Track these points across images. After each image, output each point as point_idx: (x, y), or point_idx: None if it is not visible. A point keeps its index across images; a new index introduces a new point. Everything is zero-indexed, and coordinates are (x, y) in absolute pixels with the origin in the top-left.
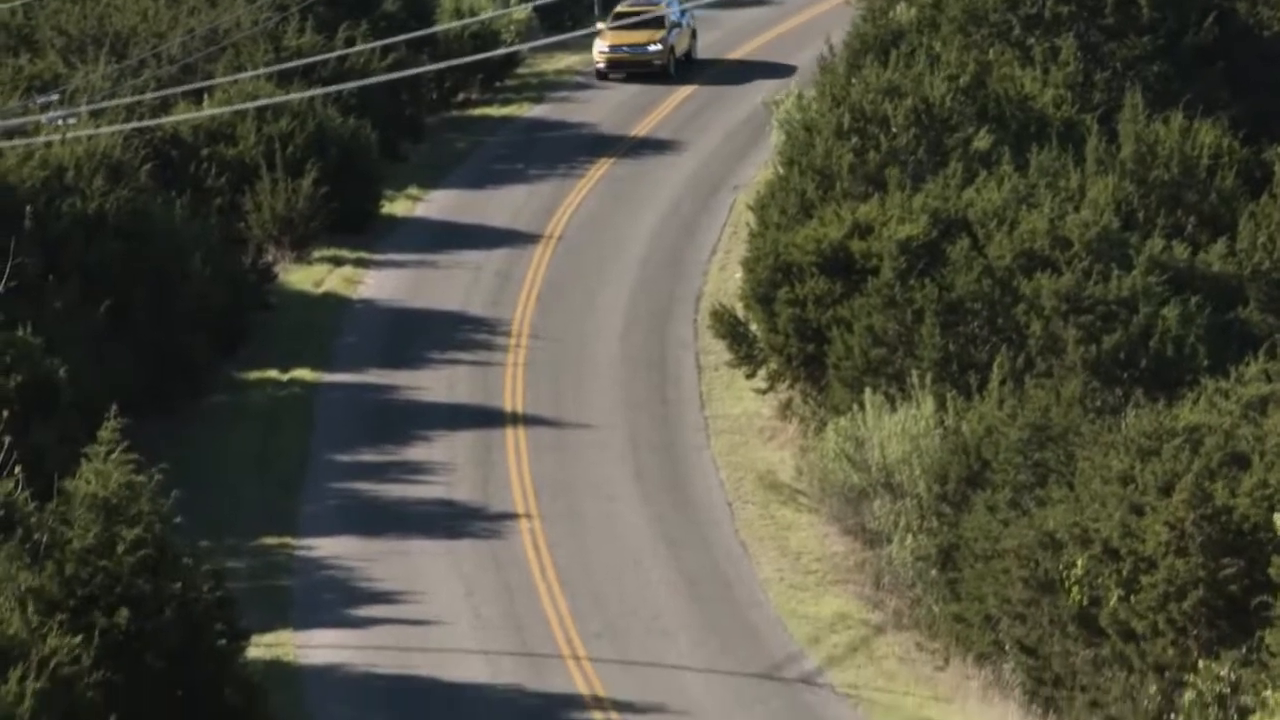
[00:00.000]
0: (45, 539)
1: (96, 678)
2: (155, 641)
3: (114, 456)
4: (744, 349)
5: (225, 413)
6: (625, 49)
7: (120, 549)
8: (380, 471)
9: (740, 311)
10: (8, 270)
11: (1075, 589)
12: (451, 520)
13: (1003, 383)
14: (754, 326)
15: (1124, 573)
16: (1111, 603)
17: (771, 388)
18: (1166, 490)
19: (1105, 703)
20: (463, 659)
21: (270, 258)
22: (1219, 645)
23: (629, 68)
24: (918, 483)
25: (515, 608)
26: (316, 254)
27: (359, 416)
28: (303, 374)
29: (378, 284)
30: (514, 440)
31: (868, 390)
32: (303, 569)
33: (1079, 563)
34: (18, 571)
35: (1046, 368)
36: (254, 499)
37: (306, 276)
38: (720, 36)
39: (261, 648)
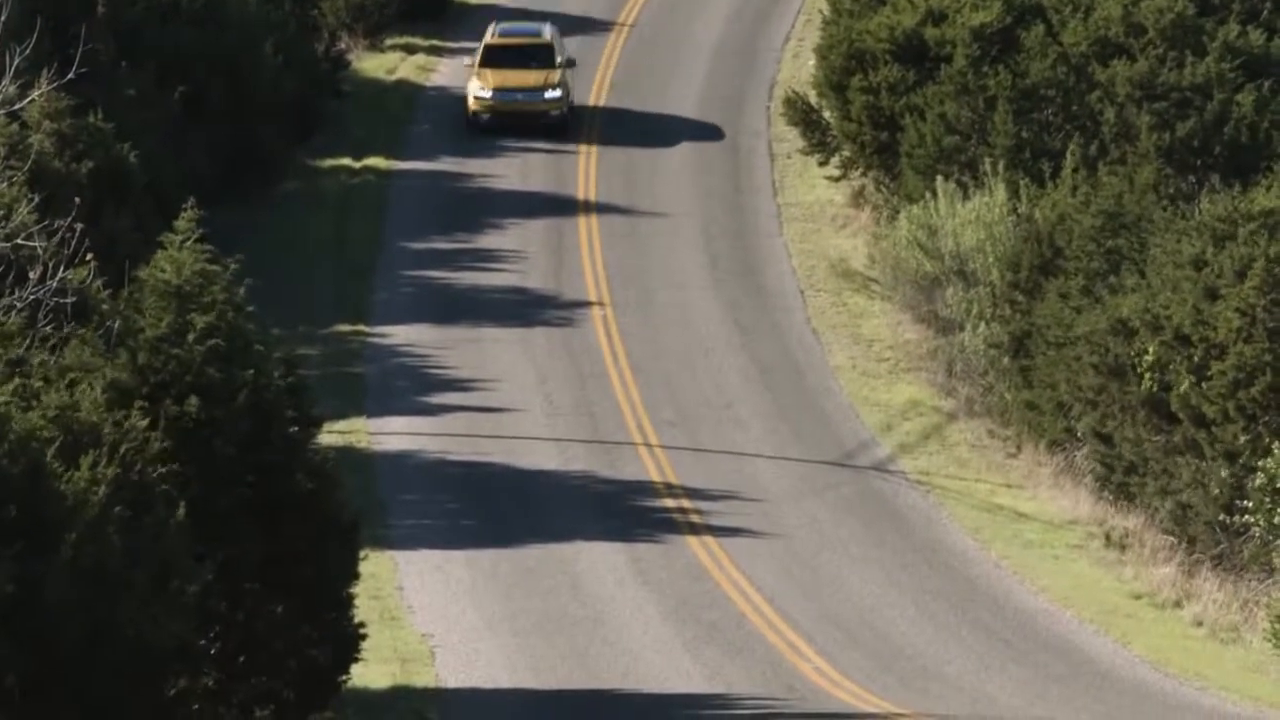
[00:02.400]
0: (118, 327)
1: (167, 464)
2: (226, 429)
3: (189, 245)
4: (817, 136)
5: (298, 201)
6: (518, 95)
7: (192, 337)
8: (453, 259)
9: (813, 99)
10: (79, 56)
11: (1146, 375)
12: (524, 308)
13: (1076, 170)
14: (827, 114)
15: (1195, 359)
16: (1182, 389)
17: (844, 175)
18: (1239, 276)
19: (1176, 489)
20: (534, 446)
21: (343, 45)
22: None
23: (515, 119)
24: (990, 270)
25: (587, 395)
26: (389, 41)
27: (432, 204)
28: (376, 162)
29: (451, 72)
30: (586, 228)
31: (940, 178)
32: (376, 356)
33: (1150, 349)
34: (92, 358)
35: (1120, 155)
36: (327, 287)
37: (379, 64)
38: None
39: (335, 434)
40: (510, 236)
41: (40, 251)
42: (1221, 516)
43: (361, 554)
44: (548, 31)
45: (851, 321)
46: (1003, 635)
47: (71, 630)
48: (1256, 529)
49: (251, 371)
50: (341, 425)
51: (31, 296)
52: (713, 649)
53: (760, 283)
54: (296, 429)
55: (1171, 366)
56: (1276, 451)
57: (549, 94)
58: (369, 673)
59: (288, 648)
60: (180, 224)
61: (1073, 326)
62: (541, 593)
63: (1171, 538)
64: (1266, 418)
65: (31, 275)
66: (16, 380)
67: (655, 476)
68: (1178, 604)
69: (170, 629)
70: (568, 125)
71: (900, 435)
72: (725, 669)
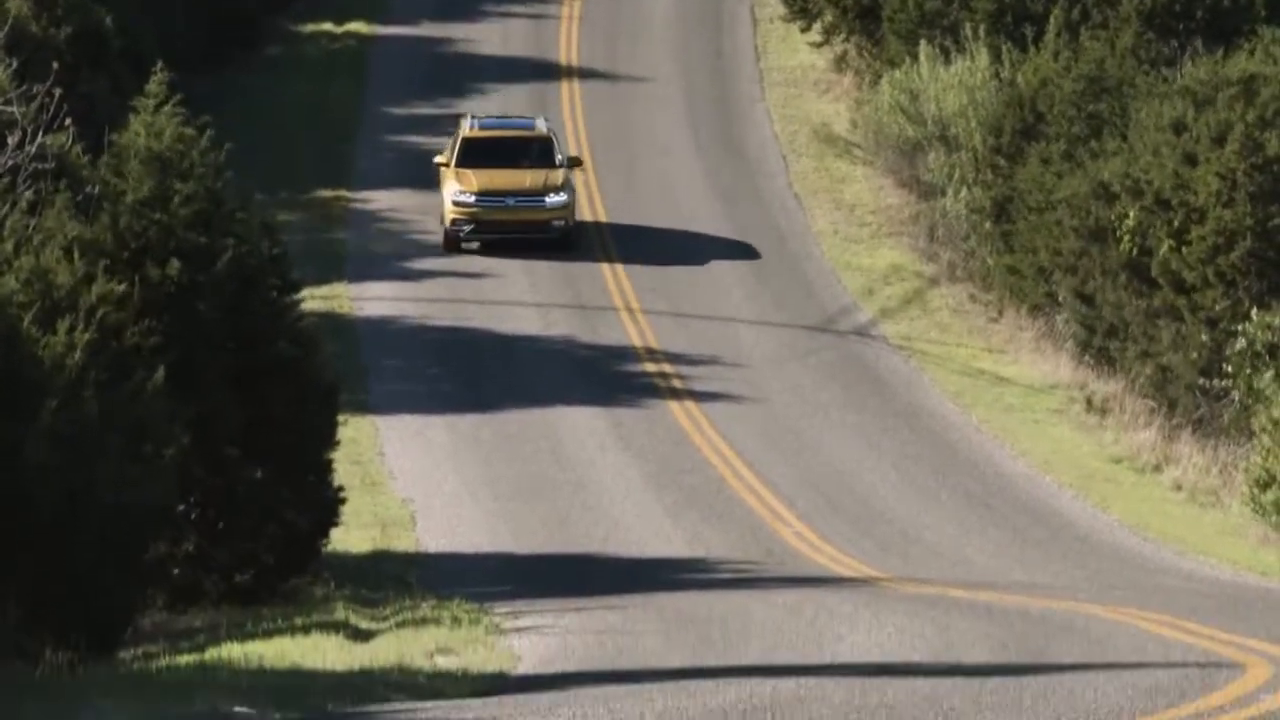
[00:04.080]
0: (98, 192)
1: (145, 326)
2: (208, 294)
3: (164, 109)
4: (799, 2)
5: (279, 66)
6: (509, 201)
7: (174, 202)
8: (435, 124)
9: None
10: None
11: (1127, 239)
12: None
13: (1058, 35)
14: None
15: (1175, 223)
16: (1162, 253)
17: (826, 41)
18: (1219, 140)
19: (1156, 353)
20: (516, 311)
21: None
22: (1269, 296)
23: (505, 232)
24: (973, 135)
25: (568, 259)
26: None
27: (414, 69)
28: (357, 26)
29: None
30: (569, 93)
31: (923, 42)
32: (358, 222)
33: (1131, 213)
34: (68, 222)
35: (1102, 19)
36: (309, 152)
37: None
38: None
39: (316, 300)
40: (493, 102)
41: (19, 116)
42: (1201, 381)
43: (342, 419)
44: (543, 124)
45: (833, 187)
46: (982, 499)
47: (49, 495)
48: (1236, 393)
49: (232, 238)
50: (323, 290)
51: (10, 162)
52: (693, 513)
53: (742, 148)
54: (278, 295)
55: (1152, 231)
56: (1256, 316)
57: (551, 199)
58: (349, 537)
59: (267, 513)
60: (151, 87)
61: (1054, 191)
62: (522, 458)
63: (1151, 402)
64: (1246, 282)
65: (10, 140)
66: None
67: (636, 341)
68: (1157, 468)
69: (148, 493)
70: (574, 240)
71: (881, 300)
72: (705, 533)
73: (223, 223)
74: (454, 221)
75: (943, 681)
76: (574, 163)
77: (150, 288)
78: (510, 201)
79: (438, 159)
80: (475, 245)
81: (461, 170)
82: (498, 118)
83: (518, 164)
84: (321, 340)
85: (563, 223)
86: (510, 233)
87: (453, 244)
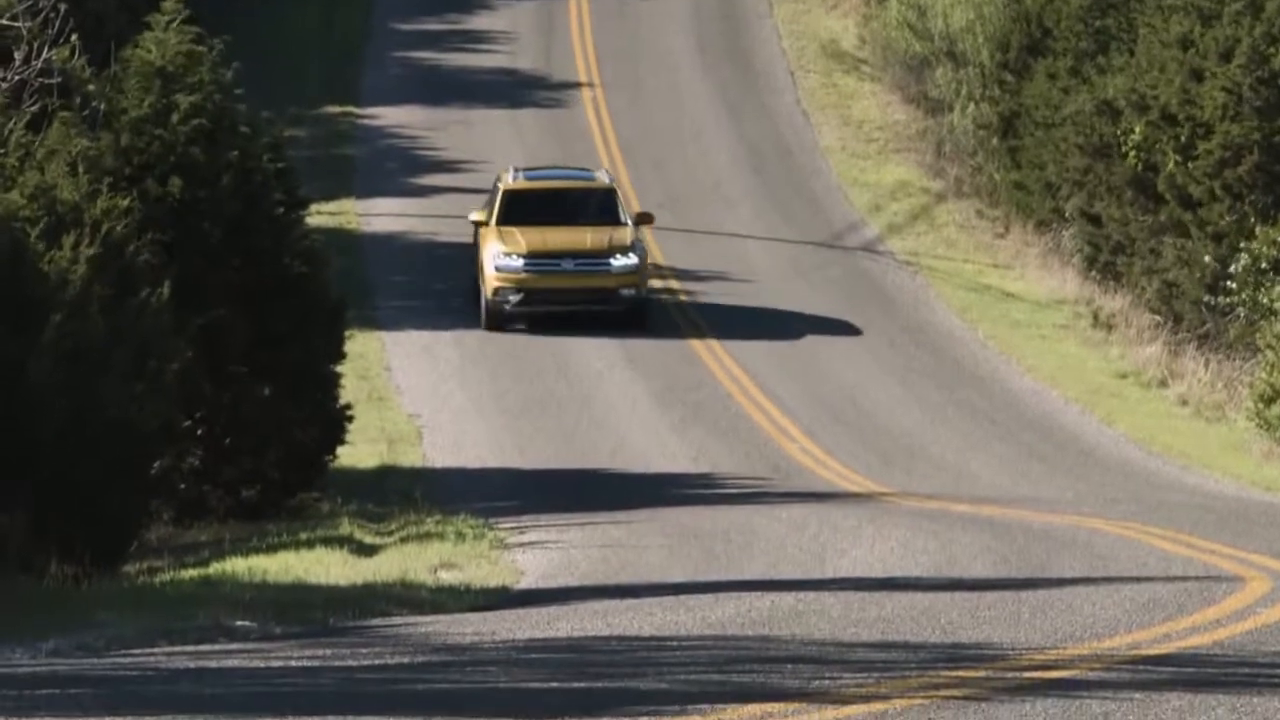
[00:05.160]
0: (102, 108)
1: (148, 239)
2: (211, 210)
3: (175, 25)
4: None
5: None
6: (567, 264)
7: (176, 118)
8: (442, 40)
9: None
10: None
11: (1133, 155)
12: (514, 89)
13: None
14: None
15: (1181, 138)
16: (1168, 168)
17: None
18: (1226, 55)
19: (1162, 268)
20: None
21: None
22: (1275, 211)
23: (561, 303)
24: (980, 50)
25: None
26: None
27: None
28: None
29: None
30: (577, 8)
31: None
32: (366, 138)
33: (1137, 129)
34: (73, 138)
35: None
36: (316, 69)
37: None
38: None
39: (324, 216)
40: (500, 17)
41: (24, 31)
42: (1207, 296)
43: (349, 335)
44: (604, 175)
45: (841, 102)
46: (988, 414)
47: (54, 410)
48: (1241, 309)
49: (237, 153)
50: (331, 207)
51: (16, 77)
52: (699, 429)
53: (750, 64)
54: (283, 210)
55: (1158, 146)
56: (1261, 231)
57: (617, 262)
58: (356, 453)
59: (274, 429)
60: (167, 4)
61: (1060, 107)
62: (529, 374)
63: (1157, 317)
64: (1252, 197)
65: (16, 55)
66: None
67: None
68: (1163, 383)
69: (152, 408)
70: (648, 313)
71: (889, 216)
72: (711, 449)
73: (225, 138)
74: (497, 291)
75: (941, 595)
76: (644, 220)
77: (153, 204)
78: (567, 265)
79: (473, 216)
80: (523, 324)
81: (505, 229)
82: (546, 168)
83: (574, 221)
84: (328, 256)
85: (633, 291)
86: (568, 303)
87: (497, 320)
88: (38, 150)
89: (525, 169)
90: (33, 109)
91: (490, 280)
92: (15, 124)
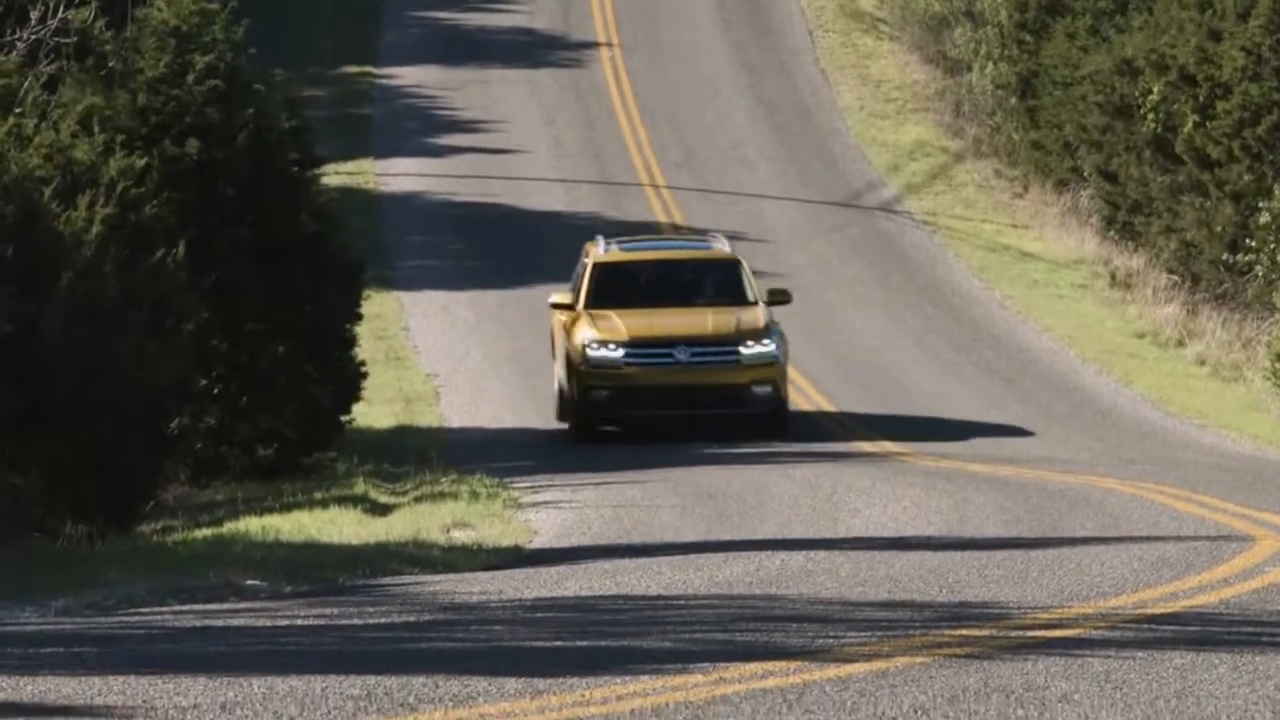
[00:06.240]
0: (119, 68)
1: (164, 200)
2: (226, 169)
3: None
4: None
5: None
6: (678, 354)
7: (191, 77)
8: (460, 0)
9: None
10: None
11: (1151, 115)
12: (532, 49)
13: None
14: None
15: (1200, 98)
16: (1187, 128)
17: None
18: (1244, 15)
19: (1180, 228)
20: (541, 187)
21: None
22: None
23: (673, 404)
24: (998, 10)
25: (595, 136)
26: None
27: None
28: None
29: None
30: None
31: None
32: (383, 97)
33: (1155, 89)
34: (89, 97)
35: None
36: (335, 28)
37: None
38: None
39: (342, 175)
40: None
41: None
42: (1225, 255)
43: (367, 294)
44: (724, 243)
45: (859, 62)
46: (1005, 374)
47: (68, 369)
48: (1259, 268)
49: (251, 112)
50: (349, 166)
51: (33, 37)
52: None
53: (768, 23)
54: (298, 170)
55: (1176, 106)
56: (1278, 192)
57: (748, 351)
58: (373, 412)
59: (290, 388)
60: None
61: (1079, 67)
62: (547, 334)
63: (1175, 277)
64: (1271, 156)
65: (33, 15)
66: (11, 120)
67: (662, 217)
68: (1180, 343)
69: (167, 367)
70: (787, 420)
71: (907, 175)
72: None
73: (242, 98)
74: (588, 390)
75: (951, 555)
76: (778, 299)
77: (168, 163)
78: (681, 356)
79: (554, 299)
80: (620, 429)
81: (599, 313)
82: (646, 238)
83: (689, 301)
84: (343, 215)
85: (769, 389)
86: (683, 405)
87: (586, 427)
88: (53, 111)
89: (619, 239)
90: (50, 69)
91: (580, 376)
92: (32, 83)
